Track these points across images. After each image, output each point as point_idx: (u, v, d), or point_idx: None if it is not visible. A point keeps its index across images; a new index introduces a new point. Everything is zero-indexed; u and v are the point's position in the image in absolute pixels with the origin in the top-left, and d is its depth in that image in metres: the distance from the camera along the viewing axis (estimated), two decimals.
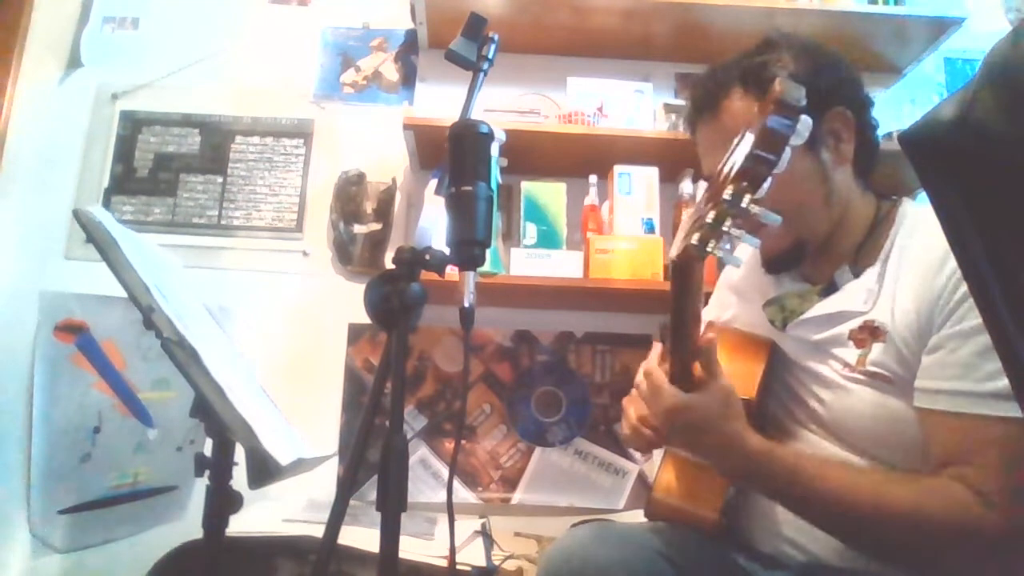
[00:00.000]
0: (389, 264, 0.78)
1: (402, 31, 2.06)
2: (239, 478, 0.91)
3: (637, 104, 1.89)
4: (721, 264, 1.69)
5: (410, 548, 1.30)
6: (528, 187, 1.75)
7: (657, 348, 0.93)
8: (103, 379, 1.63)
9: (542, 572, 0.92)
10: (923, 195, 0.45)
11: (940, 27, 1.85)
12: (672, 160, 1.75)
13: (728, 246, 0.72)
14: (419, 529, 1.47)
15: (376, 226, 1.92)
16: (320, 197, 1.94)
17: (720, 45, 1.76)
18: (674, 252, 0.78)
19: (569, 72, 1.93)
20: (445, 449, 1.82)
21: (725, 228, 0.71)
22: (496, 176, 1.64)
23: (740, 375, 0.86)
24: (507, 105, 1.88)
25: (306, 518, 1.43)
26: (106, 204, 1.91)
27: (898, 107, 2.03)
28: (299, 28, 2.06)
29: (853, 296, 0.91)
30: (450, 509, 0.77)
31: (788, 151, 0.68)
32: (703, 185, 1.66)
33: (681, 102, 1.88)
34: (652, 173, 1.75)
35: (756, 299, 1.05)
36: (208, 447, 0.92)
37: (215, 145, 1.97)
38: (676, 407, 0.84)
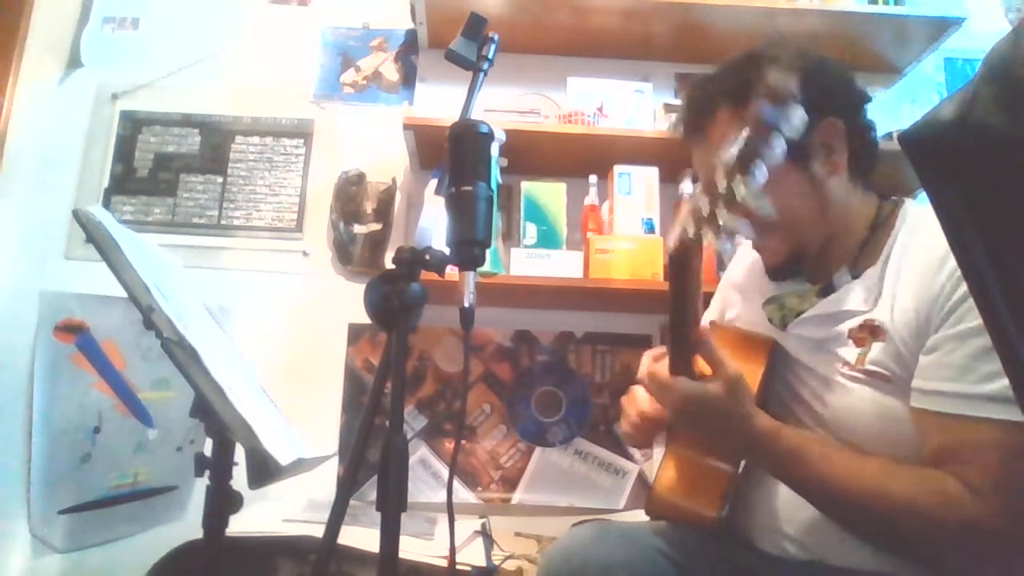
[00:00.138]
0: (389, 264, 0.78)
1: (402, 31, 2.07)
2: (239, 478, 0.91)
3: (637, 104, 1.89)
4: (721, 263, 1.70)
5: (410, 548, 1.30)
6: (528, 187, 1.75)
7: (649, 353, 0.95)
8: (103, 379, 1.63)
9: (542, 572, 0.92)
10: (923, 195, 0.45)
11: (940, 27, 1.85)
12: (672, 160, 1.75)
13: (724, 236, 0.73)
14: (419, 529, 1.47)
15: (376, 226, 1.92)
16: (320, 197, 1.94)
17: (720, 45, 1.77)
18: (670, 244, 0.78)
19: (569, 72, 1.93)
20: (445, 449, 1.82)
21: (720, 219, 0.71)
22: (496, 176, 1.64)
23: (743, 375, 0.86)
24: (507, 105, 1.88)
25: (306, 518, 1.43)
26: (106, 204, 1.91)
27: (898, 107, 2.03)
28: (299, 28, 2.06)
29: (853, 296, 0.92)
30: (450, 509, 0.77)
31: (783, 142, 0.69)
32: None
33: (681, 102, 1.88)
34: (652, 173, 1.75)
35: (757, 298, 1.06)
36: (208, 447, 0.92)
37: (215, 145, 1.97)
38: (688, 397, 0.85)
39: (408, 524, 0.96)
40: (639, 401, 1.04)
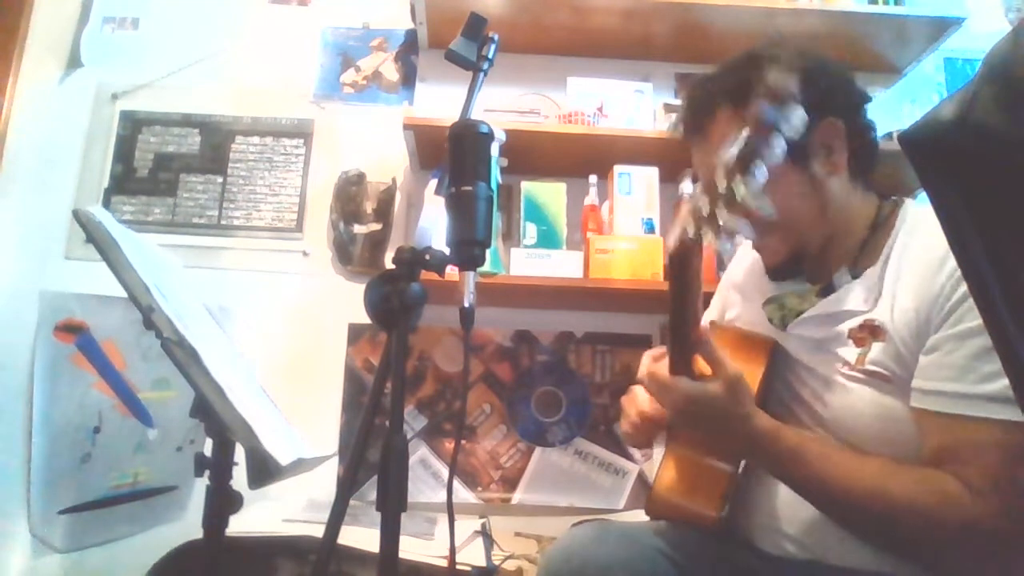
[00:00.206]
0: (389, 264, 0.78)
1: (402, 31, 2.07)
2: (239, 478, 0.91)
3: (637, 104, 1.89)
4: (721, 263, 1.70)
5: (410, 548, 1.30)
6: (528, 187, 1.75)
7: (649, 352, 0.95)
8: (103, 379, 1.63)
9: (542, 572, 0.92)
10: (923, 195, 0.45)
11: (940, 27, 1.85)
12: (672, 160, 1.74)
13: (724, 236, 0.73)
14: (419, 529, 1.47)
15: (376, 226, 1.92)
16: (320, 197, 1.94)
17: (720, 45, 1.77)
18: (670, 244, 0.78)
19: (569, 72, 1.93)
20: (445, 449, 1.82)
21: (720, 219, 0.72)
22: (496, 176, 1.64)
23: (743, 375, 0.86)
24: (507, 105, 1.88)
25: (306, 518, 1.43)
26: (106, 204, 1.91)
27: (898, 107, 2.03)
28: (299, 28, 2.06)
29: (853, 296, 0.92)
30: (450, 509, 0.77)
31: (783, 142, 0.69)
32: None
33: (681, 102, 1.88)
34: (652, 173, 1.75)
35: (757, 298, 1.06)
36: (208, 447, 0.92)
37: (215, 145, 1.97)
38: (687, 397, 0.85)
39: (408, 524, 0.96)
40: (639, 401, 1.04)
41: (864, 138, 0.98)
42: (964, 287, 0.80)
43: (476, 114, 0.87)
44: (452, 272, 0.76)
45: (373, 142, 1.98)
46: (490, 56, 0.92)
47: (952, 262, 0.81)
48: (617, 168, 1.75)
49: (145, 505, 1.69)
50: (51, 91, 1.98)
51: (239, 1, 2.06)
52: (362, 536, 1.19)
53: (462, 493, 1.80)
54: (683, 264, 0.79)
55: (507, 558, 1.44)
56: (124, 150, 1.95)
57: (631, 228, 1.71)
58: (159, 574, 1.29)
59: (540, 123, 1.82)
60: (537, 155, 1.81)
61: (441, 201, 0.80)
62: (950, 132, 0.38)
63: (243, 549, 1.25)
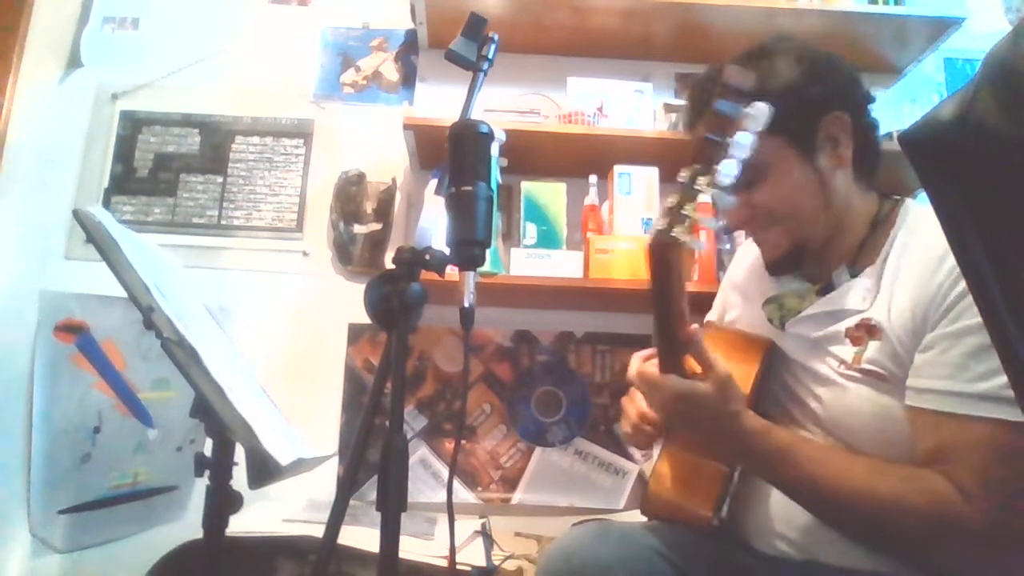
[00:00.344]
0: (389, 264, 0.78)
1: (402, 31, 2.07)
2: (239, 478, 0.91)
3: (637, 104, 1.89)
4: (721, 264, 1.70)
5: (410, 548, 1.30)
6: (528, 187, 1.75)
7: (639, 354, 0.95)
8: (103, 379, 1.63)
9: (542, 572, 0.92)
10: (923, 195, 0.45)
11: (940, 27, 1.85)
12: (672, 160, 1.73)
13: (714, 227, 0.75)
14: (419, 529, 1.47)
15: (376, 226, 1.92)
16: (320, 197, 1.94)
17: (720, 45, 1.77)
18: (647, 240, 0.78)
19: (569, 72, 1.93)
20: (445, 449, 1.81)
21: (685, 212, 0.72)
22: (496, 176, 1.64)
23: (735, 375, 0.86)
24: (507, 105, 1.88)
25: (306, 518, 1.43)
26: (106, 204, 1.91)
27: (898, 107, 2.03)
28: (299, 28, 2.06)
29: (851, 294, 0.92)
30: (450, 509, 0.77)
31: (752, 138, 0.69)
32: None
33: (681, 102, 1.88)
34: (652, 173, 1.75)
35: (757, 299, 1.06)
36: (208, 447, 0.92)
37: (215, 145, 1.97)
38: (676, 396, 0.84)
39: (408, 524, 0.96)
40: (639, 401, 1.04)
41: (868, 136, 0.98)
42: (961, 286, 0.80)
43: (476, 114, 0.87)
44: (452, 272, 0.76)
45: (373, 142, 1.98)
46: (490, 56, 0.92)
47: (950, 262, 0.82)
48: (617, 168, 1.75)
49: (145, 505, 1.69)
50: (51, 91, 1.98)
51: (239, 1, 2.06)
52: (362, 536, 1.19)
53: (462, 493, 1.80)
54: (660, 259, 0.79)
55: (507, 558, 1.44)
56: (124, 150, 1.95)
57: (631, 228, 1.71)
58: (159, 574, 1.29)
59: (540, 123, 1.82)
60: (537, 155, 1.81)
61: (441, 201, 0.80)
62: (950, 132, 0.38)
63: (243, 549, 1.25)
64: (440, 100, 1.98)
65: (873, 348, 0.87)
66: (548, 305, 1.87)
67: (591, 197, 1.79)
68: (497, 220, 1.75)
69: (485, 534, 1.53)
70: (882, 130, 1.03)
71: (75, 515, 1.61)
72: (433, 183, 1.18)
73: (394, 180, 1.95)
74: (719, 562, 0.97)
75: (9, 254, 1.86)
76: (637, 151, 1.75)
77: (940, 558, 0.80)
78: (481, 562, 1.34)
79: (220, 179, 1.95)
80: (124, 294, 0.87)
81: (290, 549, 1.31)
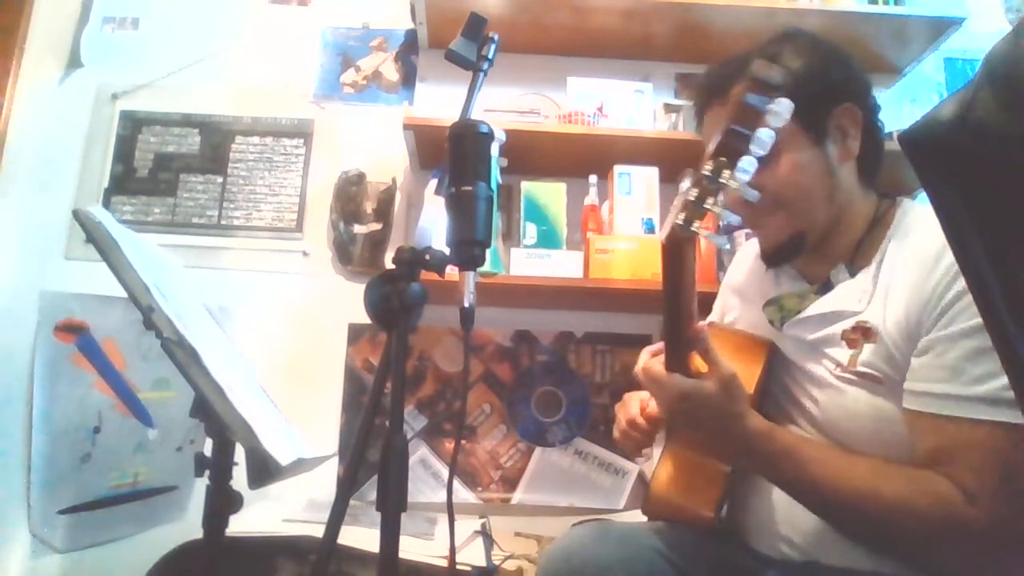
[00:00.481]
0: (389, 264, 0.78)
1: (402, 31, 2.07)
2: (239, 478, 0.91)
3: (637, 104, 1.89)
4: (721, 264, 1.70)
5: (410, 548, 1.30)
6: (528, 187, 1.75)
7: (648, 348, 0.94)
8: (103, 379, 1.63)
9: (542, 572, 0.92)
10: (923, 195, 0.45)
11: (940, 27, 1.85)
12: (672, 160, 1.75)
13: (722, 222, 0.73)
14: (419, 529, 1.47)
15: (376, 226, 1.92)
16: (320, 197, 1.94)
17: (720, 45, 1.77)
18: (662, 234, 0.78)
19: (569, 72, 1.93)
20: (445, 449, 1.81)
21: (707, 206, 0.71)
22: (496, 176, 1.64)
23: (738, 376, 0.86)
24: (507, 105, 1.88)
25: (306, 518, 1.43)
26: (106, 204, 1.91)
27: (898, 107, 2.03)
28: (299, 28, 2.06)
29: (847, 296, 0.92)
30: (450, 509, 0.77)
31: (772, 133, 0.69)
32: None
33: (681, 102, 1.88)
34: (652, 173, 1.75)
35: (757, 300, 1.06)
36: (208, 447, 0.92)
37: (215, 145, 1.97)
38: (680, 395, 0.84)
39: (408, 524, 0.96)
40: (630, 408, 1.04)
41: (874, 137, 0.98)
42: (956, 288, 0.80)
43: (476, 114, 0.87)
44: (452, 272, 0.76)
45: (373, 142, 1.98)
46: (490, 56, 0.92)
47: (944, 264, 0.82)
48: (617, 168, 1.75)
49: (145, 505, 1.69)
50: (51, 91, 1.98)
51: (239, 1, 2.06)
52: (362, 536, 1.19)
53: (462, 493, 1.80)
54: (675, 253, 0.79)
55: (507, 558, 1.44)
56: (124, 150, 1.95)
57: (631, 228, 1.71)
58: (159, 574, 1.29)
59: (540, 123, 1.82)
60: (537, 155, 1.81)
61: (441, 201, 0.80)
62: (950, 132, 0.38)
63: (243, 549, 1.25)
64: (440, 100, 1.98)
65: (868, 351, 0.86)
66: (548, 305, 1.87)
67: (591, 197, 1.79)
68: (497, 220, 1.75)
69: (485, 534, 1.53)
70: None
71: (75, 515, 1.61)
72: (433, 183, 1.18)
73: (394, 180, 1.95)
74: (719, 562, 0.97)
75: (9, 254, 1.86)
76: (637, 151, 1.75)
77: (943, 559, 0.80)
78: (481, 562, 1.34)
79: (220, 179, 1.95)
80: (124, 294, 0.87)
81: (290, 549, 1.31)
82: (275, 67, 2.02)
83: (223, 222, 1.93)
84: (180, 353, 0.85)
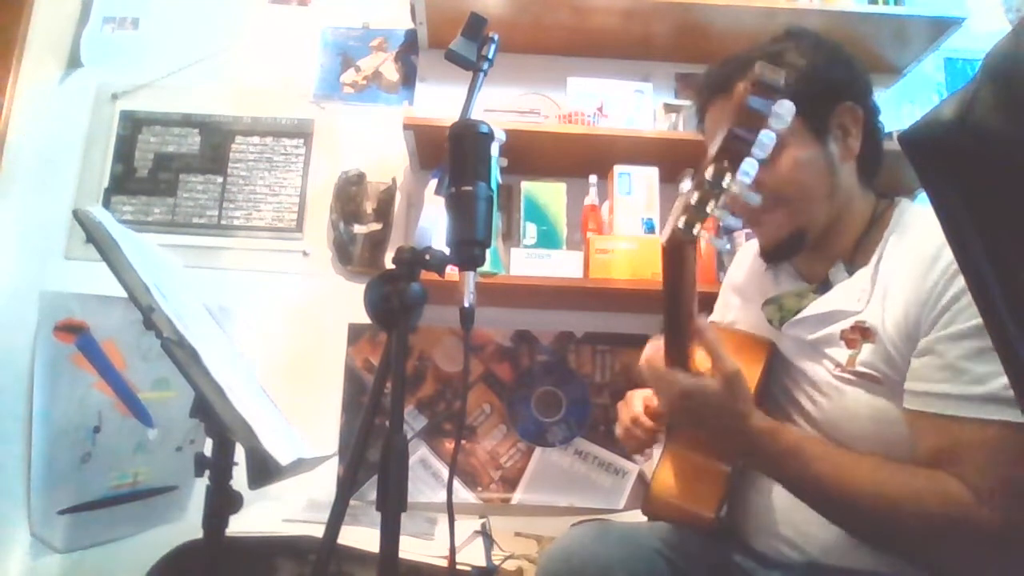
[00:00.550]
0: (389, 264, 0.78)
1: (402, 31, 2.07)
2: (239, 478, 0.91)
3: (637, 104, 1.89)
4: (722, 264, 1.70)
5: (410, 548, 1.30)
6: (528, 187, 1.75)
7: (652, 343, 0.93)
8: (103, 379, 1.63)
9: (542, 571, 0.92)
10: (923, 195, 0.45)
11: (940, 27, 1.85)
12: (672, 160, 1.74)
13: (724, 224, 0.73)
14: (419, 529, 1.47)
15: (376, 226, 1.92)
16: (320, 197, 1.94)
17: (720, 45, 1.76)
18: (663, 237, 0.77)
19: (569, 72, 1.93)
20: (445, 449, 1.81)
21: (708, 210, 0.71)
22: (496, 176, 1.64)
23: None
24: (507, 105, 1.88)
25: (306, 518, 1.43)
26: (106, 204, 1.91)
27: (898, 107, 2.03)
28: (299, 28, 2.06)
29: (846, 296, 0.92)
30: (450, 509, 0.77)
31: (773, 136, 0.69)
32: None
33: (681, 102, 1.88)
34: (652, 173, 1.75)
35: (757, 299, 1.06)
36: (208, 447, 0.92)
37: (215, 145, 1.97)
38: (683, 392, 0.84)
39: (408, 524, 0.96)
40: (633, 406, 1.04)
41: (875, 138, 0.98)
42: (954, 288, 0.80)
43: (476, 114, 0.87)
44: (452, 272, 0.76)
45: (373, 142, 1.98)
46: (490, 56, 0.92)
47: (941, 263, 0.82)
48: (617, 168, 1.75)
49: (145, 505, 1.69)
50: (51, 91, 1.98)
51: (239, 1, 2.06)
52: (362, 536, 1.19)
53: (462, 493, 1.80)
54: (676, 256, 0.79)
55: (507, 558, 1.44)
56: (124, 150, 1.95)
57: (631, 228, 1.71)
58: (159, 574, 1.29)
59: (540, 123, 1.82)
60: (537, 155, 1.81)
61: (441, 201, 0.80)
62: (950, 132, 0.38)
63: (243, 549, 1.25)
64: (440, 100, 1.98)
65: (867, 351, 0.86)
66: (548, 305, 1.87)
67: (591, 197, 1.79)
68: (497, 220, 1.75)
69: (485, 534, 1.53)
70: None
71: (75, 515, 1.61)
72: (433, 183, 1.18)
73: (394, 180, 1.95)
74: (719, 563, 0.97)
75: (9, 254, 1.86)
76: (637, 151, 1.75)
77: (949, 558, 0.79)
78: (481, 562, 1.34)
79: (220, 179, 1.95)
80: (124, 294, 0.87)
81: (290, 549, 1.31)
82: (275, 67, 2.02)
83: (223, 222, 1.93)
84: (180, 353, 0.85)
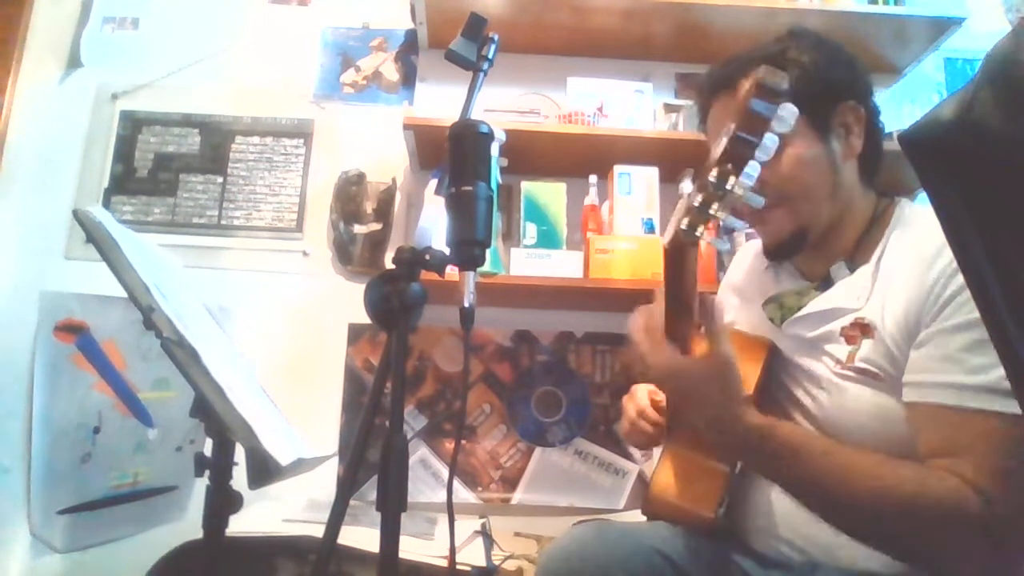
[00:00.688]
0: (389, 264, 0.78)
1: (402, 31, 2.06)
2: (239, 478, 0.91)
3: (637, 104, 1.89)
4: (721, 264, 1.70)
5: (410, 548, 1.30)
6: (528, 187, 1.75)
7: (642, 309, 0.92)
8: (103, 379, 1.63)
9: (542, 571, 0.92)
10: (923, 195, 0.45)
11: (940, 27, 1.85)
12: (672, 160, 1.75)
13: (725, 224, 0.73)
14: (419, 529, 1.47)
15: (376, 226, 1.92)
16: (320, 197, 1.94)
17: (720, 45, 1.77)
18: (665, 238, 0.78)
19: (569, 72, 1.93)
20: (445, 449, 1.81)
21: (712, 212, 0.71)
22: (496, 176, 1.64)
23: (738, 367, 0.86)
24: (507, 105, 1.88)
25: (306, 518, 1.43)
26: (106, 204, 1.91)
27: (898, 107, 2.03)
28: (299, 28, 2.06)
29: (846, 293, 0.92)
30: (450, 509, 0.77)
31: (776, 139, 0.69)
32: None
33: (681, 102, 1.88)
34: (652, 173, 1.75)
35: (757, 299, 1.06)
36: (208, 447, 0.92)
37: (215, 145, 1.97)
38: (672, 369, 0.84)
39: (408, 524, 0.96)
40: (639, 399, 1.04)
41: (876, 138, 0.99)
42: (953, 285, 0.80)
43: (476, 114, 0.87)
44: (452, 272, 0.76)
45: (373, 142, 1.98)
46: (490, 56, 0.92)
47: (941, 261, 0.82)
48: (617, 168, 1.75)
49: (145, 505, 1.69)
50: (51, 91, 1.98)
51: (239, 1, 2.06)
52: (362, 536, 1.19)
53: (462, 493, 1.80)
54: (678, 258, 0.79)
55: (507, 558, 1.44)
56: (124, 150, 1.95)
57: (631, 228, 1.71)
58: (159, 574, 1.29)
59: (540, 123, 1.82)
60: (537, 155, 1.81)
61: (441, 201, 0.80)
62: (950, 132, 0.38)
63: (243, 549, 1.25)
64: (440, 100, 1.98)
65: (867, 347, 0.86)
66: (548, 305, 1.87)
67: (591, 197, 1.79)
68: (497, 220, 1.75)
69: (485, 534, 1.53)
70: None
71: (75, 515, 1.61)
72: (433, 183, 1.18)
73: (394, 180, 1.95)
74: (719, 562, 0.96)
75: (9, 254, 1.86)
76: (637, 151, 1.75)
77: (951, 557, 0.78)
78: (481, 562, 1.34)
79: (220, 179, 1.95)
80: (124, 294, 0.88)
81: (290, 549, 1.31)
82: (275, 67, 2.02)
83: (223, 222, 1.93)
84: (180, 353, 0.85)
